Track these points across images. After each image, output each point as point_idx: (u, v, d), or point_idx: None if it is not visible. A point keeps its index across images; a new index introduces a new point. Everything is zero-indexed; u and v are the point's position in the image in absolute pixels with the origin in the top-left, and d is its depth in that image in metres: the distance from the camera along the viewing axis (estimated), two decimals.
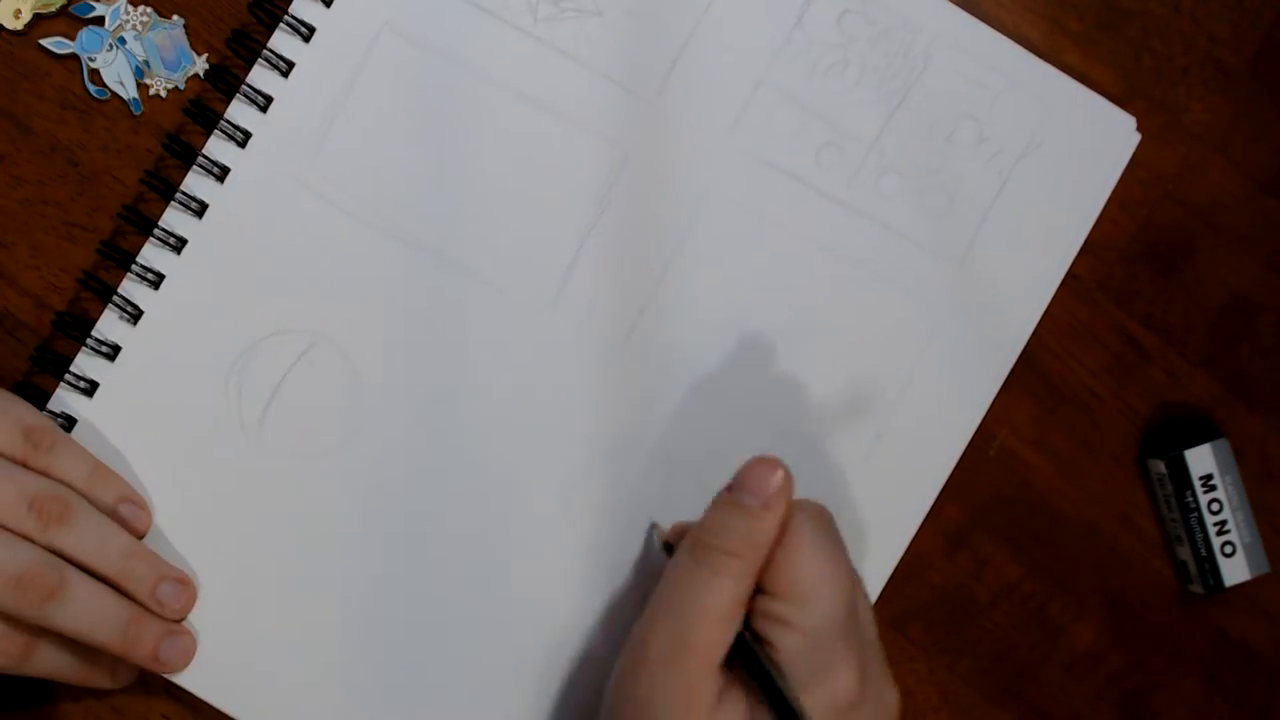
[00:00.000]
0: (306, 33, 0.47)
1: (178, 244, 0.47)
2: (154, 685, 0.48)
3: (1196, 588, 0.51)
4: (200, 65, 0.48)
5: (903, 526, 0.50)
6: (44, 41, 0.47)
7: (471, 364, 0.48)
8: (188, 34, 0.48)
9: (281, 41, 0.47)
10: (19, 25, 0.47)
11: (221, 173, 0.47)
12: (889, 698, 0.41)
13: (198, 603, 0.46)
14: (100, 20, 0.47)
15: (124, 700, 0.48)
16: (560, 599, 0.48)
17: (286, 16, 0.47)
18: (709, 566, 0.41)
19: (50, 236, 0.47)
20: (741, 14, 0.49)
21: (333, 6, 0.47)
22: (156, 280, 0.47)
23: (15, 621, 0.42)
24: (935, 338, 0.50)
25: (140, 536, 0.46)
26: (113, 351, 0.46)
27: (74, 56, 0.47)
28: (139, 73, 0.48)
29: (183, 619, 0.46)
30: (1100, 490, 0.52)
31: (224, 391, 0.47)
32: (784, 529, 0.41)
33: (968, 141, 0.50)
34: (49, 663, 0.43)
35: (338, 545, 0.47)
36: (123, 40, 0.47)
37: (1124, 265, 0.51)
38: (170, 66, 0.48)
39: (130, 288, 0.47)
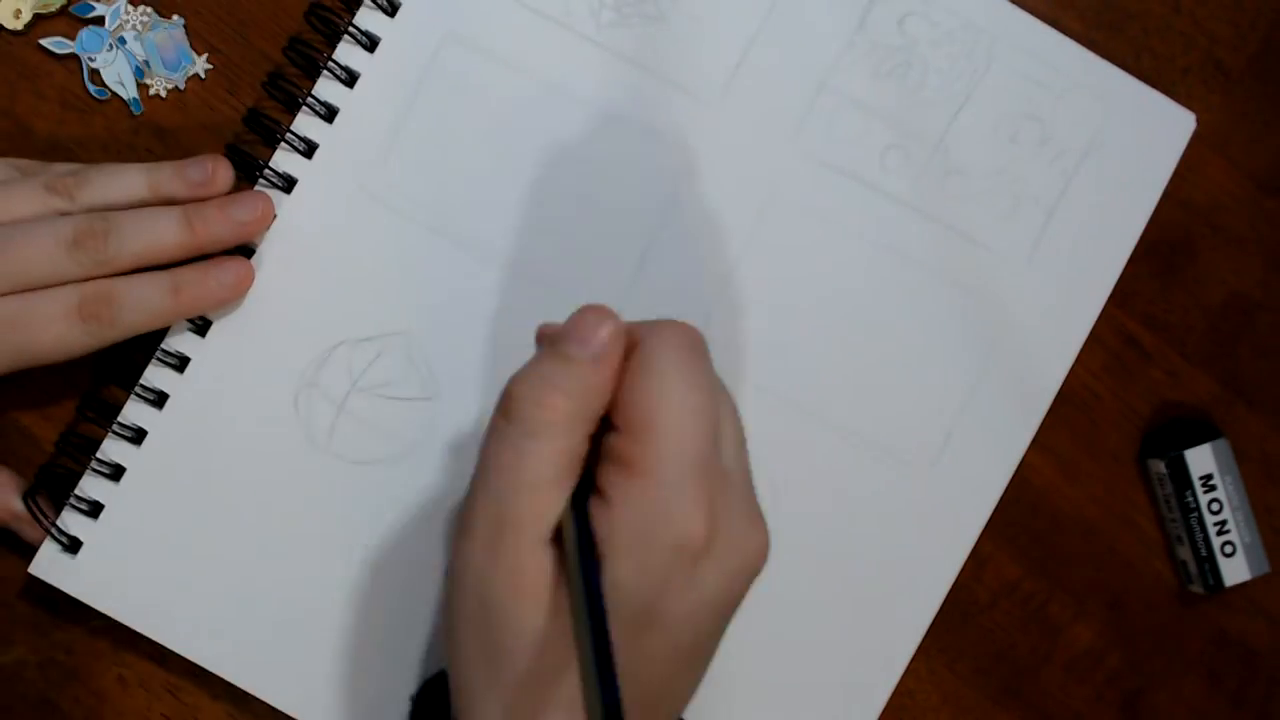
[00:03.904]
0: (370, 43, 0.47)
1: (246, 255, 0.47)
2: (154, 685, 0.48)
3: (1196, 588, 0.51)
4: (201, 65, 0.48)
5: (966, 532, 0.49)
6: (44, 41, 0.47)
7: None
8: (188, 34, 0.48)
9: (346, 52, 0.47)
10: (19, 25, 0.47)
11: (287, 184, 0.47)
12: (752, 541, 0.36)
13: (256, 607, 0.47)
14: (100, 20, 0.47)
15: (124, 701, 0.48)
16: None
17: (350, 27, 0.47)
18: (523, 428, 0.35)
19: None
20: (803, 17, 0.49)
21: (396, 16, 0.47)
22: None
23: (91, 292, 0.43)
24: (1001, 339, 0.49)
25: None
26: (180, 364, 0.46)
27: (74, 56, 0.47)
28: (139, 73, 0.48)
29: (222, 190, 0.45)
30: (1100, 490, 0.52)
31: (293, 401, 0.47)
32: (632, 352, 0.36)
33: (1031, 142, 0.49)
34: (135, 306, 0.43)
35: (402, 552, 0.47)
36: (123, 40, 0.47)
37: (1124, 265, 0.51)
38: (170, 66, 0.48)
39: None
